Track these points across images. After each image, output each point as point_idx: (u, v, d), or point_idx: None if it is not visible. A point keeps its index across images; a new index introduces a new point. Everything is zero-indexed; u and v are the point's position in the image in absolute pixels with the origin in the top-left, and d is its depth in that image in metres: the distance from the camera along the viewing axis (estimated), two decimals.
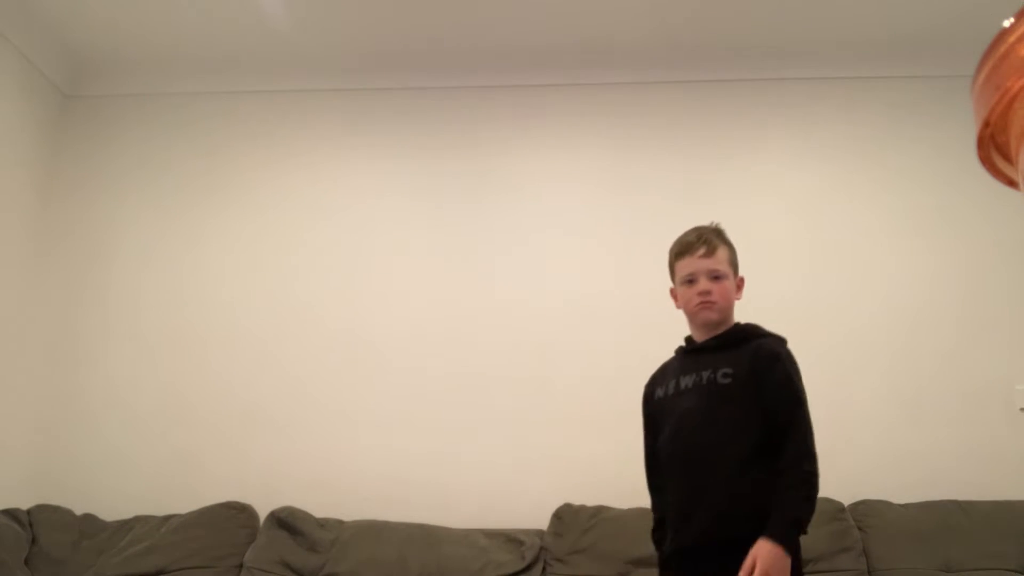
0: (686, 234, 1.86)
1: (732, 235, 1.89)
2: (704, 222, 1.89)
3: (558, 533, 2.76)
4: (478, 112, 3.40)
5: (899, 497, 2.75)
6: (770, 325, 1.84)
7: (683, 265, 1.82)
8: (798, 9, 3.09)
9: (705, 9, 3.10)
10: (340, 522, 2.84)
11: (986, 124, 0.60)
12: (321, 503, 2.89)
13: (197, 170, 3.40)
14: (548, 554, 2.72)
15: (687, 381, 1.78)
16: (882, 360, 3.03)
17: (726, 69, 3.35)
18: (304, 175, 3.38)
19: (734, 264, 1.84)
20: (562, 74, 3.39)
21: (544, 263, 3.22)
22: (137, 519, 2.87)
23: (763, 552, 1.52)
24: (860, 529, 2.65)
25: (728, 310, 1.82)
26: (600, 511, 2.79)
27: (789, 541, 1.56)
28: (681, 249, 1.84)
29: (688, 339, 1.88)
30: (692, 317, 1.84)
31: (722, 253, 1.81)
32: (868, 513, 2.70)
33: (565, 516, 2.80)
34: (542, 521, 2.82)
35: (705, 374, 1.75)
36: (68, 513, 2.90)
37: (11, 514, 2.77)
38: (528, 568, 2.66)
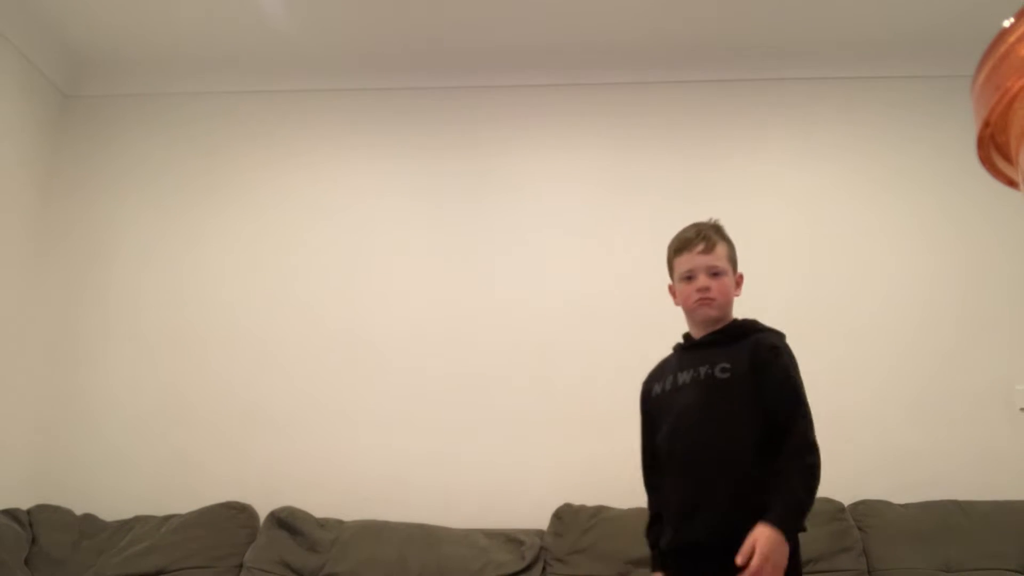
0: (685, 230, 1.85)
1: (732, 235, 1.88)
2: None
3: (558, 533, 2.76)
4: (478, 112, 3.40)
5: (899, 497, 2.75)
6: (770, 325, 1.83)
7: (682, 261, 1.81)
8: (798, 9, 3.09)
9: (705, 9, 3.10)
10: (340, 522, 2.84)
11: (986, 124, 0.60)
12: (321, 503, 2.89)
13: (197, 170, 3.40)
14: (548, 554, 2.72)
15: (685, 377, 1.77)
16: (882, 360, 3.03)
17: (726, 69, 3.35)
18: (304, 175, 3.38)
19: (733, 260, 1.83)
20: (562, 74, 3.39)
21: (544, 263, 3.22)
22: (137, 519, 2.87)
23: (763, 536, 1.49)
24: (860, 529, 2.65)
25: (727, 306, 1.80)
26: (600, 511, 2.79)
27: (789, 528, 1.53)
28: (680, 245, 1.83)
29: (686, 335, 1.87)
30: (691, 313, 1.82)
31: (721, 249, 1.80)
32: (868, 513, 2.70)
33: (565, 516, 2.80)
34: (542, 521, 2.82)
35: (703, 369, 1.73)
36: (68, 513, 2.90)
37: (11, 514, 2.77)
38: (528, 568, 2.66)
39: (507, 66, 3.38)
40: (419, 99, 3.43)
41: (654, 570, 1.82)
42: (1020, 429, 2.91)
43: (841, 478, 2.68)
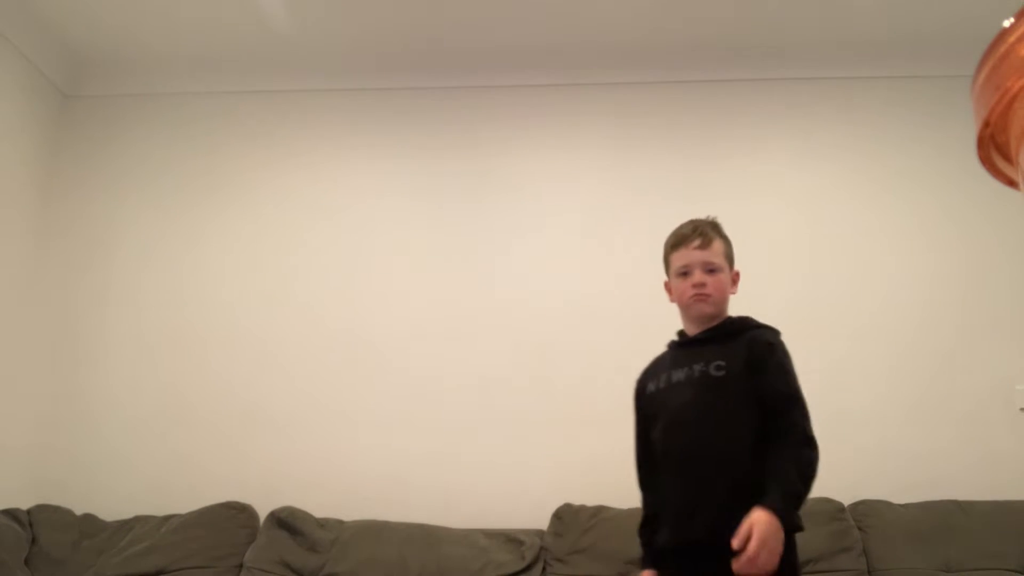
0: (682, 226, 1.84)
1: (732, 235, 1.87)
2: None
3: (558, 533, 2.76)
4: (478, 112, 3.40)
5: (899, 497, 2.75)
6: (767, 323, 1.83)
7: (678, 257, 1.80)
8: (798, 9, 3.09)
9: (705, 9, 3.10)
10: (340, 522, 2.84)
11: (986, 124, 0.60)
12: (321, 503, 2.89)
13: (197, 170, 3.40)
14: (548, 554, 2.72)
15: (679, 375, 1.75)
16: (882, 360, 3.02)
17: (726, 69, 3.35)
18: (304, 175, 3.38)
19: (730, 258, 1.82)
20: (562, 74, 3.39)
21: (544, 263, 3.22)
22: (137, 519, 2.87)
23: (760, 520, 1.47)
24: (860, 529, 2.65)
25: (723, 303, 1.79)
26: (600, 511, 2.79)
27: (785, 515, 1.50)
28: (676, 241, 1.82)
29: (680, 333, 1.86)
30: (686, 310, 1.81)
31: (718, 246, 1.79)
32: (868, 513, 2.70)
33: (565, 516, 2.80)
34: (542, 521, 2.82)
35: (697, 367, 1.72)
36: (68, 513, 2.90)
37: (11, 514, 2.77)
38: (528, 568, 2.66)
39: (507, 66, 3.38)
40: (419, 99, 3.43)
41: (644, 568, 1.80)
42: (1020, 429, 2.91)
43: (841, 478, 2.69)
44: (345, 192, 3.35)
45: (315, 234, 3.31)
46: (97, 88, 3.50)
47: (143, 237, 3.33)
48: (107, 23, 3.23)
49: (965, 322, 3.04)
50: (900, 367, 3.01)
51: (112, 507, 2.93)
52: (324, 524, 2.83)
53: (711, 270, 1.77)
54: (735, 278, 1.83)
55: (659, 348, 1.94)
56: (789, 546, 1.56)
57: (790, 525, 1.52)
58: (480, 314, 3.17)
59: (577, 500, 2.84)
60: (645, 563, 1.81)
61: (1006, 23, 0.55)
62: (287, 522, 2.80)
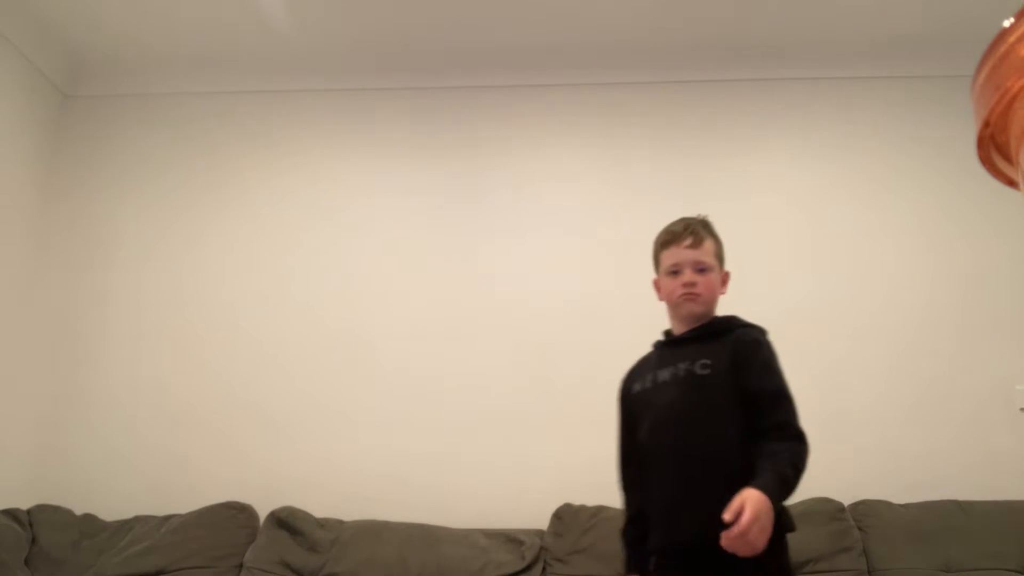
0: (673, 224, 1.82)
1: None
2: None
3: (558, 533, 2.76)
4: (478, 112, 3.40)
5: (899, 497, 2.75)
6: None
7: (668, 255, 1.79)
8: (798, 9, 3.09)
9: (705, 9, 3.10)
10: (340, 522, 2.84)
11: (986, 124, 0.60)
12: (321, 503, 2.89)
13: (196, 170, 3.40)
14: (548, 554, 2.72)
15: (664, 374, 1.74)
16: (882, 360, 3.02)
17: (726, 69, 3.35)
18: (303, 175, 3.38)
19: (720, 257, 1.81)
20: (562, 74, 3.39)
21: (544, 263, 3.22)
22: (137, 519, 2.87)
23: (752, 496, 1.44)
24: (860, 529, 2.65)
25: (712, 303, 1.78)
26: (600, 511, 2.78)
27: (776, 497, 1.48)
28: (667, 239, 1.81)
29: (667, 332, 1.85)
30: (675, 308, 1.80)
31: (709, 245, 1.78)
32: (868, 513, 2.70)
33: (565, 516, 2.80)
34: (542, 521, 2.82)
35: (682, 366, 1.71)
36: (68, 513, 2.90)
37: (11, 514, 2.77)
38: (528, 568, 2.66)
39: (507, 66, 3.38)
40: (419, 99, 3.43)
41: (628, 571, 1.79)
42: (1020, 429, 2.90)
43: (841, 478, 2.70)
44: (345, 192, 3.35)
45: (315, 234, 3.31)
46: (97, 88, 3.50)
47: (143, 237, 3.33)
48: (107, 23, 3.23)
49: (965, 322, 3.04)
50: (900, 367, 3.01)
51: (112, 507, 2.93)
52: (324, 524, 2.83)
53: (701, 269, 1.76)
54: (725, 278, 1.82)
55: None
56: (782, 548, 1.55)
57: (779, 501, 1.50)
58: (480, 314, 3.17)
59: (577, 500, 2.84)
60: (629, 566, 1.79)
61: (1006, 23, 0.55)
62: (287, 522, 2.80)
